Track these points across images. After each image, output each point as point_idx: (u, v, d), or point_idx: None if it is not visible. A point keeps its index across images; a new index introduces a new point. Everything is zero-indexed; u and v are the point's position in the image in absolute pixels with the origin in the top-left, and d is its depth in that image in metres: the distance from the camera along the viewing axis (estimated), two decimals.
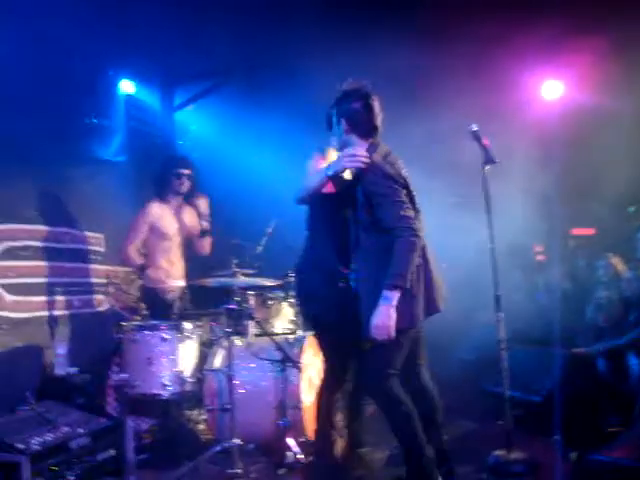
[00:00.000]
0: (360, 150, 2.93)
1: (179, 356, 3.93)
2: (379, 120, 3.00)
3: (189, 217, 4.61)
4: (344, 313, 3.04)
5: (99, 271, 5.02)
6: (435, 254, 3.03)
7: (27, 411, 3.34)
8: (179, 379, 3.86)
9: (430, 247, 2.99)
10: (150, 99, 6.19)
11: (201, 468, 3.51)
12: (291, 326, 4.40)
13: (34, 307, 4.38)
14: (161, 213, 4.45)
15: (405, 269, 2.75)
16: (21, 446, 2.91)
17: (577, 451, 3.35)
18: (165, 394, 3.77)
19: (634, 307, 4.34)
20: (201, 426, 4.12)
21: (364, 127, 2.98)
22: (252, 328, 4.25)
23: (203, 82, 6.33)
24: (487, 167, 3.47)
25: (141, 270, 4.45)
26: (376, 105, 2.98)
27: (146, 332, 3.90)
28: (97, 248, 5.05)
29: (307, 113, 5.69)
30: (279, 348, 3.76)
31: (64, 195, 4.76)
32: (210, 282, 3.89)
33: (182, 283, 4.57)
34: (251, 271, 4.07)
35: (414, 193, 2.96)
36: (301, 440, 3.72)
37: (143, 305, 4.44)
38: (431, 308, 2.93)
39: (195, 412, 4.19)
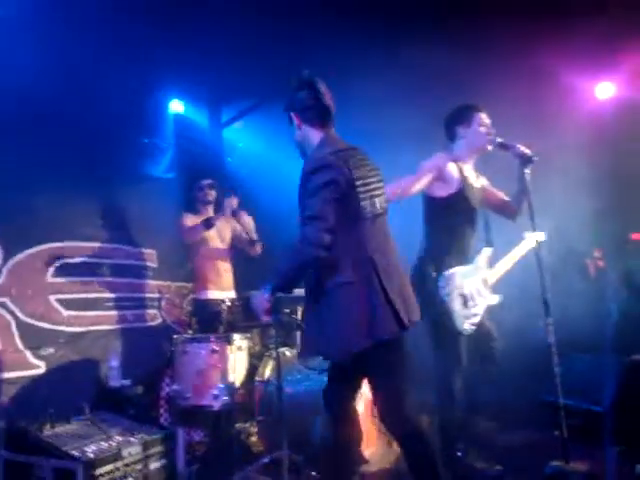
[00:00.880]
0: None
1: (229, 367, 3.96)
2: (328, 99, 2.74)
3: (234, 228, 4.73)
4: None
5: (151, 286, 5.12)
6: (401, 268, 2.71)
7: (82, 421, 3.43)
8: (229, 390, 3.88)
9: (393, 260, 2.65)
10: (198, 117, 6.32)
11: (251, 479, 3.50)
12: None
13: (89, 321, 4.50)
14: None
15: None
16: (77, 454, 2.99)
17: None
18: (216, 405, 3.79)
19: None
20: (251, 437, 4.13)
21: (314, 113, 2.72)
22: None
23: (250, 99, 6.43)
24: (528, 169, 3.39)
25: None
26: (321, 87, 2.74)
27: (196, 344, 3.95)
28: (149, 264, 5.16)
29: (352, 126, 5.75)
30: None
31: (117, 213, 4.90)
32: None
33: (232, 294, 4.63)
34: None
35: (366, 195, 2.61)
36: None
37: (194, 319, 4.53)
38: (390, 327, 2.53)
39: (245, 423, 4.20)
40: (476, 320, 3.42)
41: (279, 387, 3.59)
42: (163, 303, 5.14)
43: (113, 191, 4.87)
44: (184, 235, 4.54)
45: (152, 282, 5.13)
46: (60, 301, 4.33)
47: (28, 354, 4.02)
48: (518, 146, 3.39)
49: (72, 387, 4.06)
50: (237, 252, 4.85)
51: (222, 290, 4.57)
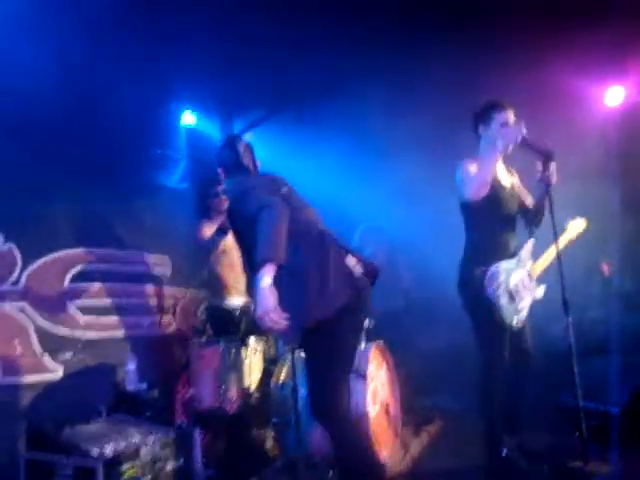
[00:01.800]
0: None
1: (245, 371, 3.99)
2: (247, 160, 3.13)
3: None
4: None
5: (166, 293, 5.16)
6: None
7: (101, 422, 3.47)
8: (245, 394, 3.91)
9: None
10: (210, 129, 6.40)
11: None
12: None
13: (106, 327, 4.54)
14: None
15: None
16: (96, 452, 3.02)
17: None
18: (231, 409, 3.82)
19: None
20: (267, 440, 4.13)
21: (235, 170, 3.09)
22: None
23: (260, 109, 6.51)
24: (551, 167, 3.38)
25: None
26: (241, 147, 3.13)
27: (212, 348, 3.99)
28: (164, 271, 5.21)
29: (366, 136, 5.81)
30: None
31: (132, 220, 4.95)
32: None
33: (246, 298, 4.67)
34: None
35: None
36: None
37: (209, 325, 4.57)
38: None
39: (261, 426, 4.20)
40: (524, 314, 3.43)
41: (294, 389, 3.61)
42: (178, 310, 5.17)
43: (128, 200, 4.93)
44: (202, 243, 4.57)
45: (167, 289, 5.17)
46: (77, 307, 4.38)
47: (46, 358, 4.06)
48: (540, 142, 3.35)
49: (90, 391, 4.08)
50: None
51: (240, 296, 4.61)
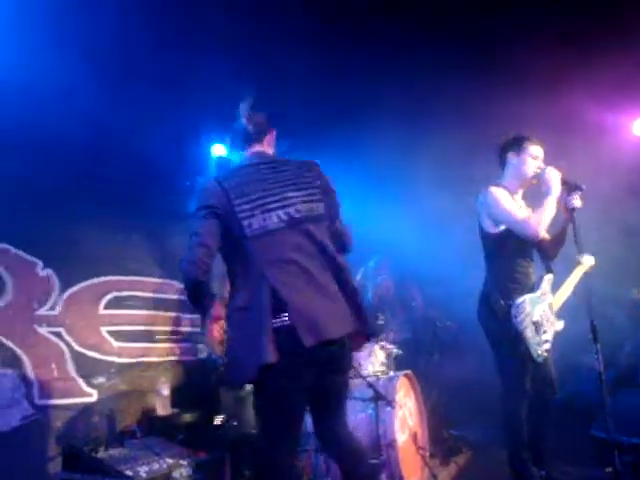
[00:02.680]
0: None
1: None
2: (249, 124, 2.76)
3: None
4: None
5: (197, 320, 5.24)
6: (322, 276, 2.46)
7: (135, 444, 3.54)
8: None
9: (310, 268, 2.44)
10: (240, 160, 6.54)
11: None
12: (383, 368, 4.41)
13: (138, 353, 4.63)
14: None
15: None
16: (130, 473, 3.08)
17: None
18: None
19: None
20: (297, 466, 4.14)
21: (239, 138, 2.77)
22: None
23: (288, 139, 6.61)
24: (576, 198, 3.40)
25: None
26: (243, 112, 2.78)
27: None
28: None
29: (383, 164, 5.86)
30: (371, 386, 3.78)
31: (164, 249, 5.06)
32: None
33: None
34: None
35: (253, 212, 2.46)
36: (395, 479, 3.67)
37: None
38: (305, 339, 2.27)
39: None
40: (547, 347, 3.43)
41: None
42: (208, 337, 5.23)
43: (159, 229, 5.06)
44: None
45: (197, 316, 5.24)
46: (111, 332, 4.49)
47: (81, 382, 4.16)
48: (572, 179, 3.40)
49: (123, 415, 4.17)
50: None
51: None
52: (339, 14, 4.49)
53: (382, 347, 4.50)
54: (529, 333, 3.33)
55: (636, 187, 5.29)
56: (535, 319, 3.38)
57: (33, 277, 4.12)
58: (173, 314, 5.04)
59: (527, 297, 3.39)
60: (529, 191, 3.60)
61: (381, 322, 4.69)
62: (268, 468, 2.39)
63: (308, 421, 3.64)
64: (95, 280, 4.50)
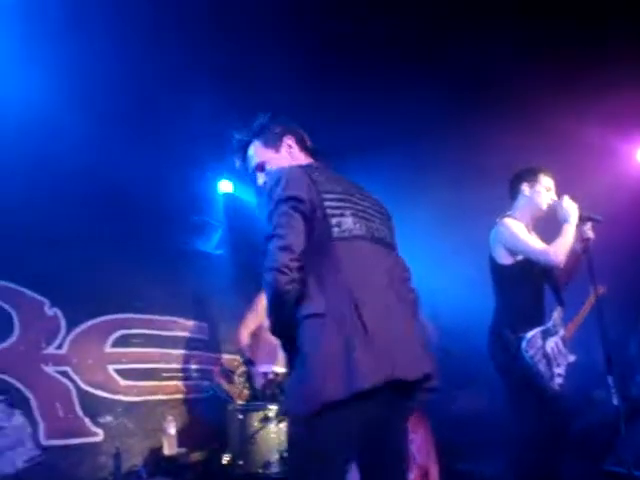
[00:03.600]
0: None
1: (283, 434, 3.97)
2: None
3: None
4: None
5: (204, 358, 5.22)
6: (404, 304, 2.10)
7: None
8: (283, 458, 3.88)
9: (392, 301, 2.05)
10: (246, 196, 6.58)
11: None
12: None
13: (145, 391, 4.60)
14: None
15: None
16: None
17: None
18: (270, 473, 3.79)
19: None
20: None
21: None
22: None
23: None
24: (589, 228, 3.39)
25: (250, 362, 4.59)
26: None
27: (249, 412, 3.99)
28: (201, 336, 5.28)
29: (404, 191, 5.85)
30: None
31: (171, 286, 5.07)
32: None
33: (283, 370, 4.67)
34: None
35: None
36: None
37: (246, 390, 4.58)
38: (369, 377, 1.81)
39: None
40: (560, 380, 3.37)
41: None
42: (215, 375, 5.20)
43: (166, 266, 5.06)
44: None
45: (204, 354, 5.23)
46: (117, 371, 4.47)
47: (87, 421, 4.13)
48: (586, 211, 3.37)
49: (129, 454, 4.12)
50: None
51: (277, 364, 4.62)
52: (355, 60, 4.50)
53: None
54: (541, 367, 3.28)
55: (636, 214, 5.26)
56: (547, 352, 3.34)
57: (40, 316, 4.13)
58: (180, 352, 5.02)
59: (538, 330, 3.35)
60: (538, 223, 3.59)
61: None
62: None
63: None
64: (102, 318, 4.50)
